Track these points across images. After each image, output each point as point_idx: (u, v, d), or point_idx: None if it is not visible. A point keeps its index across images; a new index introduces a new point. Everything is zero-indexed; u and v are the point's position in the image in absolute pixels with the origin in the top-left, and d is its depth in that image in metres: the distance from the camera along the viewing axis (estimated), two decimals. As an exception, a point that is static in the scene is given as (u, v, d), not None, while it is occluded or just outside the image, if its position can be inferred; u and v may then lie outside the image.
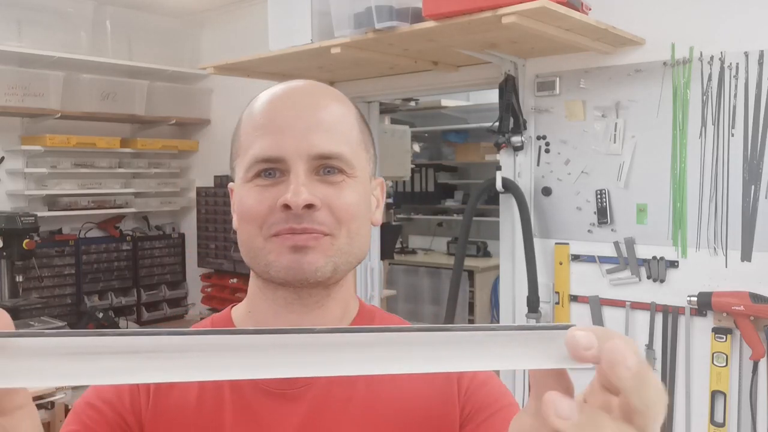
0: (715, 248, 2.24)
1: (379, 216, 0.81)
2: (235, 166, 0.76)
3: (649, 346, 2.38)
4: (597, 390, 0.40)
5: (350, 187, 0.72)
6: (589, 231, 2.50)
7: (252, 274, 0.77)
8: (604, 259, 2.47)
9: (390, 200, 4.56)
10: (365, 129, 0.79)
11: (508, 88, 2.58)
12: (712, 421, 2.25)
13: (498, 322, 2.97)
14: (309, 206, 0.69)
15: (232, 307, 0.83)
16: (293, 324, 0.74)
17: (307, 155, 0.70)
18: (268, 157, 0.71)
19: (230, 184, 0.78)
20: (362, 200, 0.75)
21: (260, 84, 3.23)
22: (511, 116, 2.59)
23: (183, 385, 0.76)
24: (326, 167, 0.71)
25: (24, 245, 3.38)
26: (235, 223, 0.76)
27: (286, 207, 0.69)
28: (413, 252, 5.34)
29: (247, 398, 0.74)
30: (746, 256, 2.19)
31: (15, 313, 3.42)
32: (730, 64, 2.18)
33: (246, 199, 0.72)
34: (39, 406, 2.57)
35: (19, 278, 3.55)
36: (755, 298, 2.11)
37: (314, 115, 0.72)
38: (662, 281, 2.35)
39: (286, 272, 0.70)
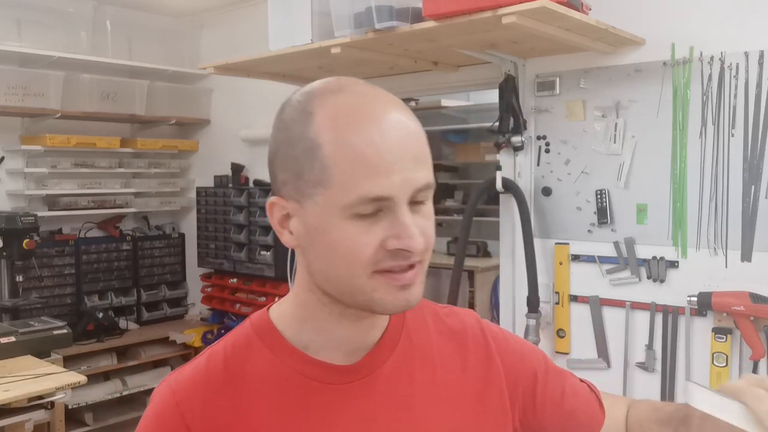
0: (715, 248, 2.24)
1: None
2: (313, 194, 0.70)
3: (649, 346, 2.38)
4: None
5: (431, 211, 0.73)
6: (589, 231, 2.50)
7: (309, 288, 0.76)
8: (604, 259, 2.47)
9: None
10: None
11: (508, 88, 2.58)
12: (712, 421, 2.25)
13: (498, 322, 2.98)
14: None
15: (269, 308, 0.83)
16: (358, 329, 0.78)
17: (411, 191, 0.69)
18: (379, 197, 0.67)
19: (275, 200, 0.74)
20: None
21: (260, 84, 3.23)
22: (511, 116, 2.59)
23: (250, 419, 0.75)
24: (420, 194, 0.71)
25: (24, 245, 3.38)
26: (317, 255, 0.72)
27: (404, 251, 0.69)
28: (413, 252, 5.33)
29: (317, 400, 0.76)
30: (746, 256, 2.18)
31: (15, 313, 3.42)
32: (730, 64, 2.18)
33: (345, 240, 0.69)
34: (39, 406, 2.57)
35: (19, 278, 3.55)
36: (755, 298, 2.11)
37: (416, 147, 0.71)
38: (662, 281, 2.35)
39: (393, 308, 0.72)
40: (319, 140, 0.69)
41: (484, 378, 0.86)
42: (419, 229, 0.69)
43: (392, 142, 0.68)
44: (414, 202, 0.70)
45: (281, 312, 0.81)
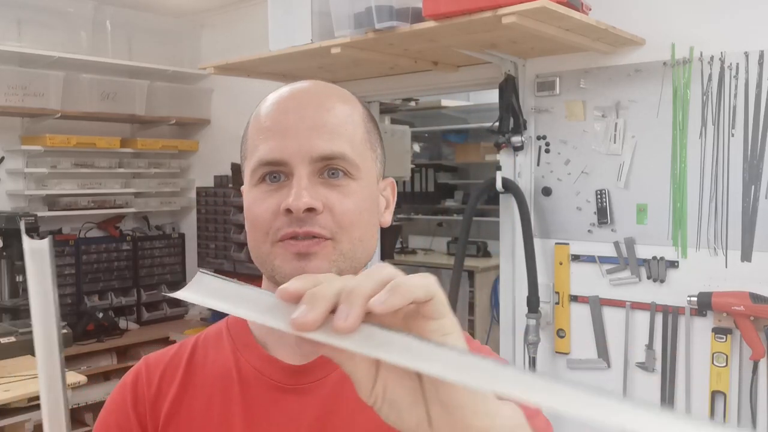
0: (715, 248, 2.24)
1: (388, 217, 0.81)
2: (244, 169, 0.77)
3: (649, 346, 2.38)
4: None
5: (354, 192, 0.72)
6: (589, 231, 2.50)
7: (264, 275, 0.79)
8: (604, 259, 2.47)
9: (390, 200, 4.55)
10: (372, 129, 0.78)
11: (508, 88, 2.58)
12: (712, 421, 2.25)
13: (498, 322, 2.97)
14: (310, 210, 0.69)
15: None
16: None
17: (309, 157, 0.70)
18: (270, 160, 0.71)
19: (242, 187, 0.79)
20: (366, 204, 0.74)
21: (260, 84, 3.23)
22: (511, 116, 2.59)
23: (190, 400, 0.77)
24: (330, 169, 0.71)
25: (24, 245, 3.38)
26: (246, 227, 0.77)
27: (288, 211, 0.69)
28: (413, 252, 5.33)
29: (257, 395, 0.75)
30: (746, 256, 2.18)
31: (15, 313, 3.42)
32: (730, 64, 2.18)
33: (252, 206, 0.73)
34: (39, 406, 2.57)
35: (19, 278, 3.55)
36: (755, 298, 2.11)
37: (317, 116, 0.72)
38: (662, 281, 2.35)
39: (290, 278, 0.70)
40: (247, 123, 0.78)
41: None
42: (320, 198, 0.70)
43: (291, 113, 0.72)
44: (325, 176, 0.71)
45: None
